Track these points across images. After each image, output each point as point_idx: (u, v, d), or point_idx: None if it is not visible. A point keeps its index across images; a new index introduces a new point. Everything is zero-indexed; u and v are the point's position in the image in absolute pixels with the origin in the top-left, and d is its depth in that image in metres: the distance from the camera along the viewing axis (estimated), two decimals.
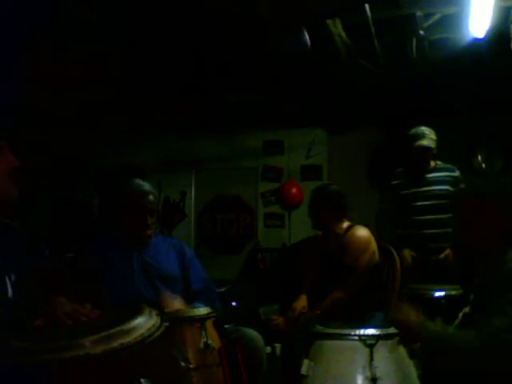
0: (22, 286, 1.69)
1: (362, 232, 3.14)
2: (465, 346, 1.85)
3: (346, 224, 3.20)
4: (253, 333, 2.71)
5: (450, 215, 3.09)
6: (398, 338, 2.19)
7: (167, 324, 1.39)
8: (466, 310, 2.19)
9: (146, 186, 2.78)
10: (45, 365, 1.17)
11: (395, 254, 3.25)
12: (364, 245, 3.10)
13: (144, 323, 1.31)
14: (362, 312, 2.93)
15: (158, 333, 1.31)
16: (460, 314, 2.25)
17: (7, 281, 1.66)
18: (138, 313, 1.35)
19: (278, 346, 3.92)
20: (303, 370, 2.16)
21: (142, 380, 1.20)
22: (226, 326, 2.48)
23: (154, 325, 1.32)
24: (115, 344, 1.20)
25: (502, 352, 1.78)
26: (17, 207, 1.79)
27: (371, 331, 2.17)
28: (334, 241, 3.17)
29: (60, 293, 1.67)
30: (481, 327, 1.83)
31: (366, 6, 3.32)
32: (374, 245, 3.14)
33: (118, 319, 1.31)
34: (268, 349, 3.29)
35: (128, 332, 1.25)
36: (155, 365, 1.29)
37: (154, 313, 1.39)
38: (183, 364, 1.50)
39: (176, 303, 2.53)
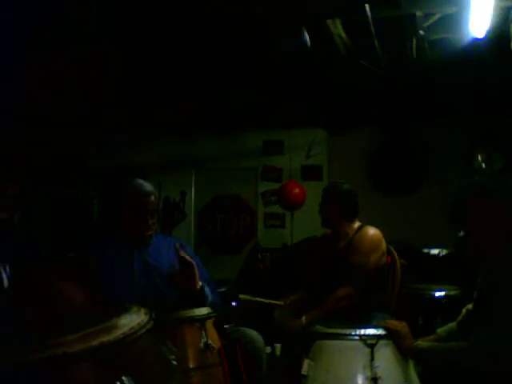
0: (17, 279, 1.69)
1: (374, 231, 3.13)
2: (457, 355, 1.89)
3: (356, 224, 3.20)
4: (253, 333, 2.70)
5: None
6: None
7: (154, 322, 1.38)
8: (469, 306, 2.20)
9: (147, 186, 2.77)
10: (20, 365, 1.16)
11: (395, 254, 3.25)
12: (376, 243, 3.09)
13: (128, 322, 1.30)
14: (362, 312, 2.93)
15: (143, 331, 1.30)
16: (463, 310, 2.26)
17: (2, 271, 1.66)
18: (123, 311, 1.34)
19: (277, 345, 3.92)
20: (303, 370, 2.16)
21: (124, 378, 1.19)
22: (226, 326, 2.48)
23: (138, 323, 1.31)
24: (95, 342, 1.19)
25: (495, 356, 1.80)
26: (17, 206, 1.79)
27: (372, 331, 2.17)
28: (344, 240, 3.16)
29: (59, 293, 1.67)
30: (472, 333, 1.87)
31: (366, 6, 3.32)
32: (384, 245, 3.13)
33: (101, 317, 1.30)
34: (268, 349, 3.29)
35: (109, 330, 1.24)
36: (139, 363, 1.29)
37: (142, 311, 1.39)
38: (174, 362, 1.49)
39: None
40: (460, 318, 2.28)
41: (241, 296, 3.41)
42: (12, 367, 1.14)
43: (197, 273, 2.56)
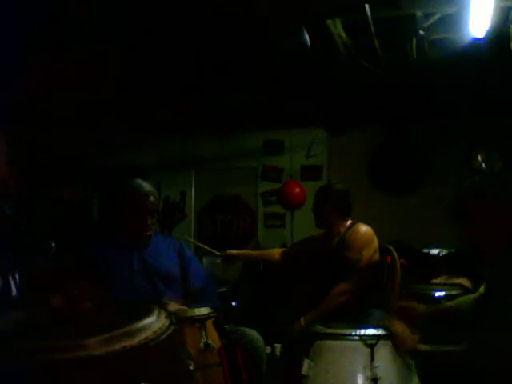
0: (26, 285, 1.69)
1: (366, 228, 3.18)
2: (457, 356, 1.88)
3: (349, 222, 3.24)
4: (253, 333, 2.71)
5: None
6: None
7: (176, 327, 1.37)
8: (482, 289, 2.16)
9: (147, 186, 2.78)
10: (44, 365, 1.16)
11: (395, 253, 3.26)
12: (368, 239, 3.14)
13: (150, 325, 1.29)
14: (359, 310, 2.95)
15: (164, 336, 1.30)
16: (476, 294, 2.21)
17: (11, 280, 1.66)
18: (145, 314, 1.34)
19: (277, 345, 3.93)
20: (303, 370, 2.16)
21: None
22: (226, 326, 2.48)
23: (160, 328, 1.30)
24: (117, 346, 1.19)
25: (492, 355, 1.79)
26: (16, 203, 1.79)
27: (372, 331, 2.17)
28: (337, 238, 3.21)
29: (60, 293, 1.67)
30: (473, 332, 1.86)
31: (366, 6, 3.32)
32: (376, 242, 3.18)
33: (123, 320, 1.30)
34: (268, 349, 3.29)
35: (132, 334, 1.23)
36: (159, 368, 1.28)
37: (163, 315, 1.38)
38: (191, 367, 1.49)
39: (177, 306, 2.54)
40: (477, 295, 2.22)
41: (185, 237, 3.70)
42: (35, 366, 1.14)
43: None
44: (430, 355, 2.03)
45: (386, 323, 2.24)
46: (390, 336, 2.14)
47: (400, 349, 2.11)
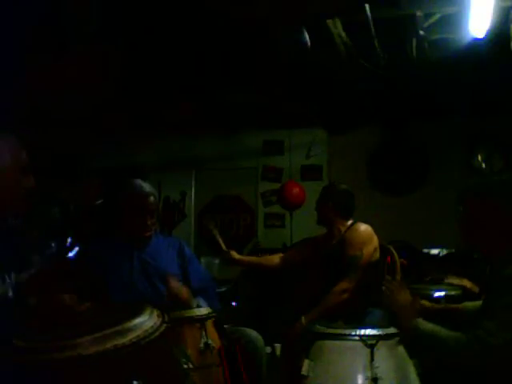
0: (24, 285, 1.69)
1: (365, 226, 3.21)
2: (453, 346, 1.85)
3: (349, 222, 3.26)
4: (253, 333, 2.71)
5: None
6: (398, 338, 2.19)
7: (168, 325, 1.37)
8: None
9: (147, 187, 2.77)
10: (36, 365, 1.16)
11: (395, 253, 3.26)
12: (367, 237, 3.16)
13: (142, 324, 1.29)
14: (360, 310, 2.95)
15: (156, 334, 1.30)
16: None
17: (7, 281, 1.66)
18: (137, 313, 1.34)
19: (277, 345, 3.93)
20: (303, 370, 2.16)
21: (135, 382, 1.19)
22: (226, 326, 2.48)
23: (152, 326, 1.31)
24: (108, 345, 1.19)
25: (486, 354, 1.78)
26: (22, 209, 1.79)
27: (372, 331, 2.17)
28: (337, 237, 3.23)
29: (60, 292, 1.67)
30: (471, 328, 1.84)
31: (366, 5, 3.32)
32: (376, 240, 3.19)
33: (115, 319, 1.30)
34: (268, 349, 3.29)
35: (123, 333, 1.24)
36: (152, 366, 1.29)
37: (155, 313, 1.38)
38: (185, 365, 1.49)
39: (184, 290, 2.54)
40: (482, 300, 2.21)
41: (205, 221, 3.67)
42: (27, 366, 1.14)
43: (190, 296, 2.54)
44: (428, 337, 1.95)
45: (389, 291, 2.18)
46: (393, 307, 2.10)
47: (401, 321, 2.05)
